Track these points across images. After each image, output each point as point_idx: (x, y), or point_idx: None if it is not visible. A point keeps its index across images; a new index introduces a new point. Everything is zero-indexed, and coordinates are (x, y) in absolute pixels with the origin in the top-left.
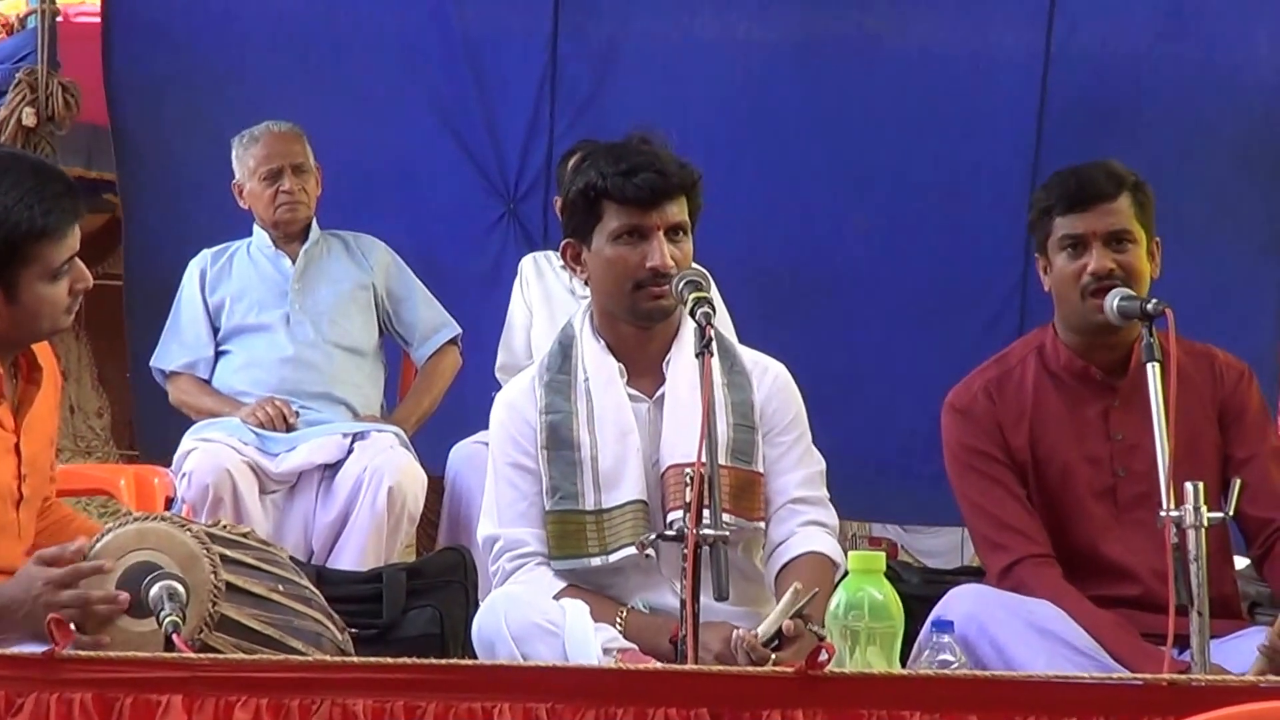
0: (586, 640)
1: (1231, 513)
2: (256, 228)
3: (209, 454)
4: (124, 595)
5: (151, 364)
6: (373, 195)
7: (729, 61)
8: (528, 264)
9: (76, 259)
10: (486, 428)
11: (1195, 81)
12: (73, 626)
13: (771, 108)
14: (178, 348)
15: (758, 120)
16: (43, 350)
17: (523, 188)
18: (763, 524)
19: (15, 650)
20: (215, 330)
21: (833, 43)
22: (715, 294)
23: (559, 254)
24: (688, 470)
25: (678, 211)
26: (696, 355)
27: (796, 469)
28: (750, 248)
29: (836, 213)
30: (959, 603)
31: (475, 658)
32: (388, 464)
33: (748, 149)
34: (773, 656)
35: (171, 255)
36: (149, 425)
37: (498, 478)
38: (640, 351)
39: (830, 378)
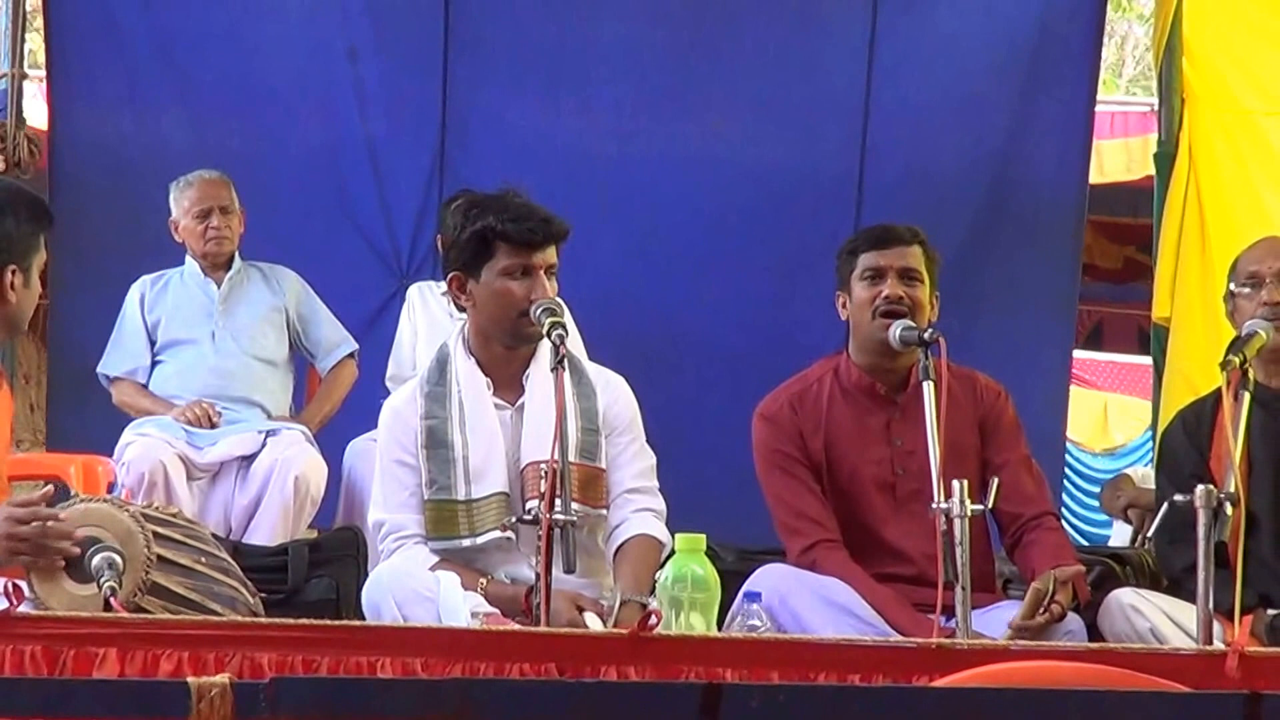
0: (457, 606)
1: (990, 506)
2: (188, 258)
3: (145, 446)
4: (77, 538)
5: (98, 370)
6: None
7: (588, 155)
8: (414, 292)
9: None
10: (377, 428)
11: (989, 171)
12: (26, 591)
13: (624, 196)
14: (120, 357)
15: (613, 206)
16: None
17: (414, 266)
18: (605, 510)
19: None
20: (152, 343)
21: (679, 145)
22: (569, 319)
23: (445, 284)
24: (543, 466)
25: (553, 254)
26: (551, 370)
27: (632, 464)
28: (611, 319)
29: (685, 289)
30: (765, 579)
31: (364, 620)
32: (295, 457)
33: (606, 232)
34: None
35: (92, 280)
36: (58, 421)
37: (384, 471)
38: (505, 368)
39: (682, 433)
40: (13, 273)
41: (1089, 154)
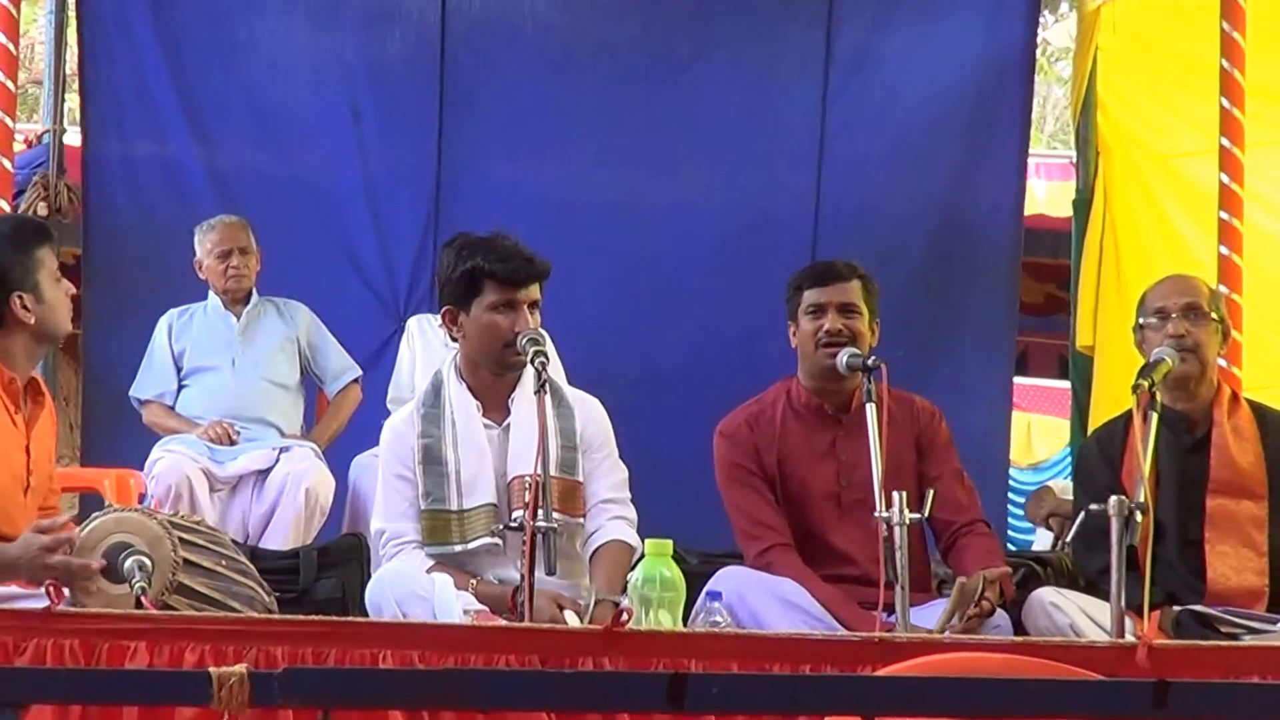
0: (450, 604)
1: (927, 514)
2: (210, 294)
3: (172, 461)
4: (99, 562)
5: (130, 393)
6: None
7: (570, 203)
8: (413, 323)
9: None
10: (379, 445)
11: (933, 216)
12: (66, 591)
13: (602, 240)
14: (151, 382)
15: (593, 249)
16: (43, 387)
17: (410, 309)
18: (582, 519)
19: (21, 606)
20: (179, 369)
21: (653, 194)
22: (550, 347)
23: (439, 317)
24: (527, 479)
25: (536, 291)
26: (534, 393)
27: (607, 477)
28: (592, 350)
29: (657, 323)
30: (726, 580)
31: (368, 617)
32: (306, 471)
33: (587, 272)
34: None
35: (122, 313)
36: (92, 439)
37: (385, 484)
38: (493, 391)
39: (652, 451)
40: (19, 298)
41: (1023, 200)
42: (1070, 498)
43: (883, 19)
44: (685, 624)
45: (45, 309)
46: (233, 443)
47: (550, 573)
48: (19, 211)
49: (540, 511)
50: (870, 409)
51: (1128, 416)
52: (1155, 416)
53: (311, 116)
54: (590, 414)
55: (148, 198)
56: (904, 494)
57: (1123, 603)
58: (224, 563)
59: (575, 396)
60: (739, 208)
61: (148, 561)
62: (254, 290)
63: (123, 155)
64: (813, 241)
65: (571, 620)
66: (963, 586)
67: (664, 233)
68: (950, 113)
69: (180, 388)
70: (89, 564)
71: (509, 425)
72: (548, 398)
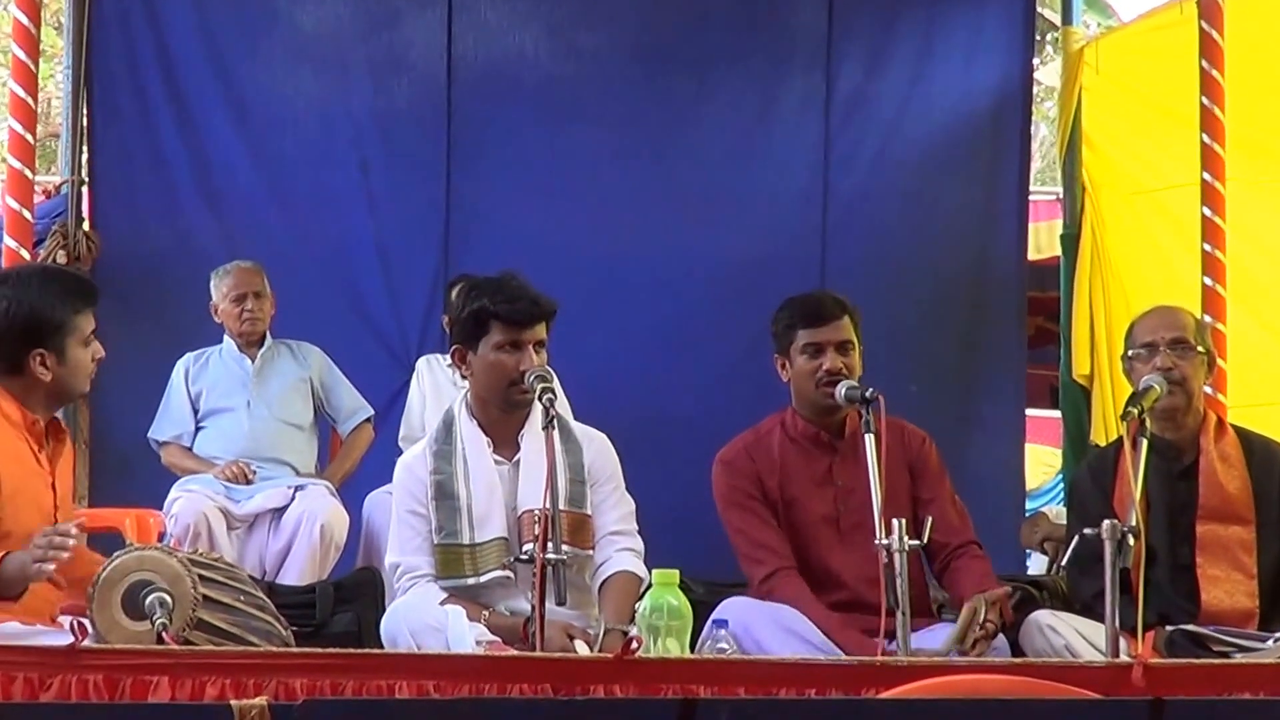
0: (463, 635)
1: (925, 540)
2: (226, 337)
3: (190, 501)
4: (77, 522)
5: (149, 435)
6: None
7: (577, 247)
8: (422, 363)
9: (95, 339)
10: (392, 482)
11: (939, 252)
12: (89, 628)
13: (608, 286)
14: (168, 424)
15: (600, 292)
16: (63, 425)
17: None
18: (591, 551)
19: (45, 643)
20: (196, 411)
21: (658, 237)
22: (557, 384)
23: (448, 357)
24: (537, 513)
25: (542, 330)
26: (543, 429)
27: (614, 509)
28: (599, 388)
29: (663, 363)
30: (731, 608)
31: (383, 649)
32: (320, 508)
33: (595, 314)
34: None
35: (131, 359)
36: (101, 481)
37: (399, 520)
38: (503, 428)
39: (659, 484)
40: (40, 356)
41: (1026, 233)
42: (1063, 523)
43: (879, 60)
44: (692, 651)
45: (64, 371)
46: (249, 482)
47: (561, 603)
48: (40, 260)
49: (550, 544)
50: (869, 440)
51: (1118, 444)
52: (1145, 443)
53: (320, 169)
54: (598, 448)
55: (157, 249)
56: (903, 522)
57: (1117, 624)
58: (242, 598)
59: (582, 432)
60: (745, 246)
61: (168, 598)
62: (268, 333)
63: (132, 208)
64: (820, 279)
65: (582, 649)
66: (974, 610)
67: (670, 272)
68: (951, 149)
69: (197, 429)
70: (67, 527)
71: (519, 461)
72: (556, 433)
